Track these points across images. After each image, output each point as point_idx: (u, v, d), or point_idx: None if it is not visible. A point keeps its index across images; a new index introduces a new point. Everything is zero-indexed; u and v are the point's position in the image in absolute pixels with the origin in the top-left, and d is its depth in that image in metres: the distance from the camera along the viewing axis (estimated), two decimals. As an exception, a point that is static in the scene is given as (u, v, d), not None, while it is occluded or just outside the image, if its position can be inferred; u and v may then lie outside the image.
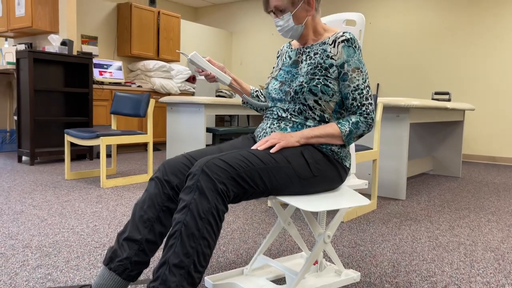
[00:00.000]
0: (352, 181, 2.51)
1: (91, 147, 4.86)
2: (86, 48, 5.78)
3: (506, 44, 5.59)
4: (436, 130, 4.56)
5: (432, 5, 6.15)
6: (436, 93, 4.65)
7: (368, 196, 3.30)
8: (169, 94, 6.19)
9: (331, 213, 2.79)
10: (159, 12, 6.46)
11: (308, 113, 1.47)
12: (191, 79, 6.63)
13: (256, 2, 8.03)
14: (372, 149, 2.91)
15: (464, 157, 6.01)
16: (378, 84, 6.64)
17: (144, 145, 6.09)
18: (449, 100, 4.44)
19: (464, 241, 2.26)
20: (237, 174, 1.23)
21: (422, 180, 4.18)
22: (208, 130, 4.80)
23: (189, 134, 4.41)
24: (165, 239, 1.29)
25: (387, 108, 3.31)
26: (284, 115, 1.50)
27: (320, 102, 1.46)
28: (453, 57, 5.99)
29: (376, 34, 6.67)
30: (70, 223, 2.38)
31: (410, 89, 6.38)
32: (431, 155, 4.62)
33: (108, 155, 5.30)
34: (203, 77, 6.77)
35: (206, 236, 1.16)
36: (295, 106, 1.49)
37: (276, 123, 1.51)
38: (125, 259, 1.31)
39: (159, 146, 6.35)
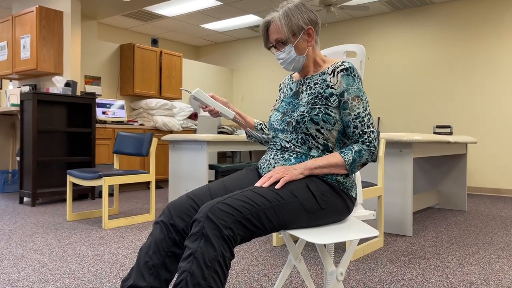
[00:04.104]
0: (359, 211, 2.47)
1: (93, 187, 4.83)
2: (90, 88, 5.86)
3: (502, 76, 5.66)
4: (439, 163, 4.54)
5: (428, 41, 6.27)
6: (438, 127, 4.66)
7: (374, 232, 3.24)
8: (171, 131, 6.22)
9: (339, 249, 2.73)
10: (161, 52, 6.59)
11: (311, 142, 1.47)
12: (193, 116, 6.69)
13: (255, 40, 8.21)
14: (376, 185, 2.88)
15: (468, 189, 5.96)
16: (379, 118, 6.68)
17: (147, 183, 6.07)
18: (450, 133, 4.45)
19: (475, 280, 2.20)
20: (243, 217, 1.21)
21: (428, 215, 4.12)
22: (211, 167, 4.79)
23: (191, 172, 4.40)
24: (170, 288, 1.26)
25: (390, 144, 3.31)
26: (287, 145, 1.50)
27: (322, 131, 1.46)
28: (452, 91, 6.05)
29: (375, 69, 6.78)
30: (71, 267, 2.33)
31: (411, 122, 6.41)
32: (435, 188, 4.58)
33: (110, 194, 5.27)
34: (205, 114, 6.83)
35: (212, 285, 1.13)
36: (298, 136, 1.48)
37: (280, 154, 1.50)
38: (129, 309, 1.27)
39: (161, 183, 6.32)
